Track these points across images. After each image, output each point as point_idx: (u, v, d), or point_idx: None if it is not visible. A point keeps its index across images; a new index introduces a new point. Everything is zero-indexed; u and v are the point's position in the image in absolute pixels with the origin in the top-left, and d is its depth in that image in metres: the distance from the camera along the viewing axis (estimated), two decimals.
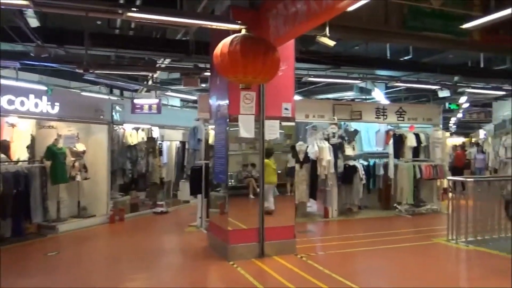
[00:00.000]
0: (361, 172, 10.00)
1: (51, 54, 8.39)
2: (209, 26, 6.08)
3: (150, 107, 10.43)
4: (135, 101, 10.55)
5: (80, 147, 9.10)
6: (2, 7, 5.17)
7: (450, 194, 7.78)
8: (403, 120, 10.83)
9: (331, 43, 6.29)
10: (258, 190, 6.47)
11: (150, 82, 12.27)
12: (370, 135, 11.45)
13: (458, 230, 7.35)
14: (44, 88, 8.46)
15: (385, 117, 10.58)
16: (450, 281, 5.62)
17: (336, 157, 9.67)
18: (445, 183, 10.38)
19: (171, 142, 12.45)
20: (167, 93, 13.68)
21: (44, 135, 8.77)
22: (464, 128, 25.05)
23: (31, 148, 8.56)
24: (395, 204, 10.54)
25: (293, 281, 5.26)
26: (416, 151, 10.84)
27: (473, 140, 19.78)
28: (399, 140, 10.68)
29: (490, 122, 18.07)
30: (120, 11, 5.35)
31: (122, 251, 7.38)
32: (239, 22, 5.63)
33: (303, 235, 7.77)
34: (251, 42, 5.07)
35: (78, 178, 8.91)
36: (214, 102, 7.21)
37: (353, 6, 4.79)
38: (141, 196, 11.12)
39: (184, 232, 8.61)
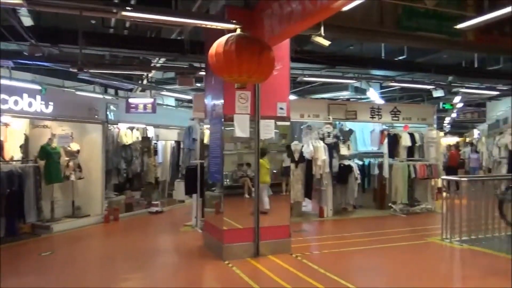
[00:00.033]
0: (356, 171, 10.03)
1: (45, 53, 8.34)
2: (204, 26, 6.07)
3: (145, 106, 10.40)
4: (130, 100, 10.52)
5: (74, 146, 9.06)
6: None
7: (444, 194, 7.82)
8: (397, 120, 10.87)
9: (326, 42, 6.30)
10: (253, 189, 6.48)
11: (145, 82, 12.23)
12: (365, 135, 11.48)
13: (452, 229, 7.39)
14: (38, 87, 8.41)
15: (379, 116, 10.60)
16: (444, 280, 5.65)
17: (331, 156, 9.69)
18: (439, 183, 10.40)
19: (166, 141, 12.43)
20: (162, 93, 13.64)
21: (38, 135, 8.71)
22: (458, 128, 25.24)
23: (24, 147, 8.50)
24: (389, 204, 10.58)
25: (288, 280, 5.27)
26: (410, 151, 10.88)
27: (467, 139, 19.91)
28: (393, 140, 10.71)
29: (484, 121, 18.23)
30: (114, 10, 5.33)
31: (117, 251, 7.35)
32: (234, 21, 5.63)
33: (298, 235, 7.79)
34: (246, 42, 5.07)
35: (73, 177, 8.87)
36: (209, 101, 7.20)
37: (348, 6, 4.81)
38: (136, 196, 11.09)
39: (179, 231, 8.59)
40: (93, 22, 8.86)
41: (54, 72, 11.06)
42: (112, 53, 9.73)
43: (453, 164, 15.22)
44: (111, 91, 14.61)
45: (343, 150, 10.08)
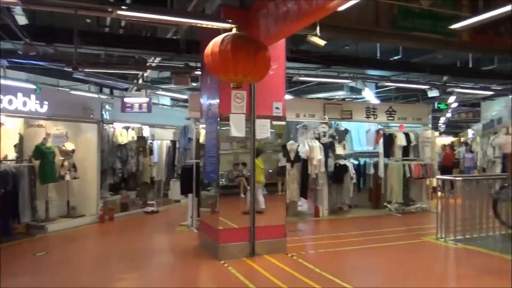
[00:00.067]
0: (352, 171, 10.05)
1: (39, 52, 8.28)
2: (200, 25, 6.06)
3: (140, 106, 10.38)
4: (125, 100, 10.49)
5: (69, 146, 9.02)
6: None
7: (439, 193, 7.87)
8: (393, 120, 10.89)
9: (322, 42, 6.31)
10: (248, 188, 6.47)
11: (140, 81, 12.19)
12: (361, 135, 11.52)
13: (447, 229, 7.42)
14: (32, 86, 8.37)
15: (375, 116, 10.63)
16: (439, 279, 5.68)
17: (326, 156, 9.71)
18: (434, 182, 10.47)
19: (161, 141, 12.40)
20: (158, 92, 13.60)
21: (32, 134, 8.66)
22: (453, 128, 25.38)
23: (19, 147, 8.45)
24: (385, 203, 10.61)
25: (284, 280, 5.27)
26: (405, 151, 10.92)
27: (462, 139, 20.06)
28: (389, 140, 10.75)
29: (479, 121, 18.34)
30: (110, 9, 5.31)
31: (112, 251, 7.33)
32: (229, 21, 5.62)
33: (294, 234, 7.80)
34: (242, 41, 5.06)
35: (67, 177, 8.83)
36: (205, 101, 7.19)
37: (344, 6, 4.83)
38: (131, 196, 11.04)
39: (175, 231, 8.58)
40: (88, 21, 8.81)
41: (49, 71, 11.01)
42: (107, 52, 9.67)
43: (448, 164, 15.33)
44: (106, 90, 14.57)
45: (339, 150, 10.10)
